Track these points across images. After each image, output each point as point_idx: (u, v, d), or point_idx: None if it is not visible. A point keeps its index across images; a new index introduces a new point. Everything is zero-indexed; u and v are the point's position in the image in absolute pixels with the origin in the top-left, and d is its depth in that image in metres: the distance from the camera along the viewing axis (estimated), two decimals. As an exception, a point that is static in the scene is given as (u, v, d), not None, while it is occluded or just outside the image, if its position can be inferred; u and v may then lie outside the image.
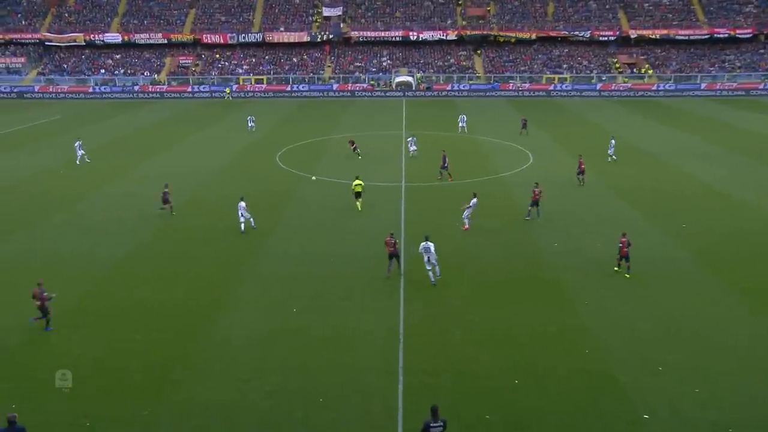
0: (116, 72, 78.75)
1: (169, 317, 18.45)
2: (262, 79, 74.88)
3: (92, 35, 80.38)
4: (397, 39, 78.15)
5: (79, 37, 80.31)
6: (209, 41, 79.70)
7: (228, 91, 71.64)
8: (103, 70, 79.25)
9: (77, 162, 37.84)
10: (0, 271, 21.96)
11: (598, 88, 69.15)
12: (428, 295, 19.38)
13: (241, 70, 77.29)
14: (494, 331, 17.30)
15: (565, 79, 71.54)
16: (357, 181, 27.30)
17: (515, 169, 33.89)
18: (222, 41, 79.46)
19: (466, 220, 24.74)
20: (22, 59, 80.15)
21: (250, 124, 48.24)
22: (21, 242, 24.52)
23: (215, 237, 24.83)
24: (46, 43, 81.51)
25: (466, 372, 15.31)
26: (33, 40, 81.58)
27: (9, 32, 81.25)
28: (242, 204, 25.13)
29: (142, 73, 78.33)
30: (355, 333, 17.27)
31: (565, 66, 73.41)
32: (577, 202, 28.37)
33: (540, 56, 76.36)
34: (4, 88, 75.35)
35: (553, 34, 75.94)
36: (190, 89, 73.82)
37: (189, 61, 79.84)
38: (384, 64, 77.20)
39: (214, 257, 22.72)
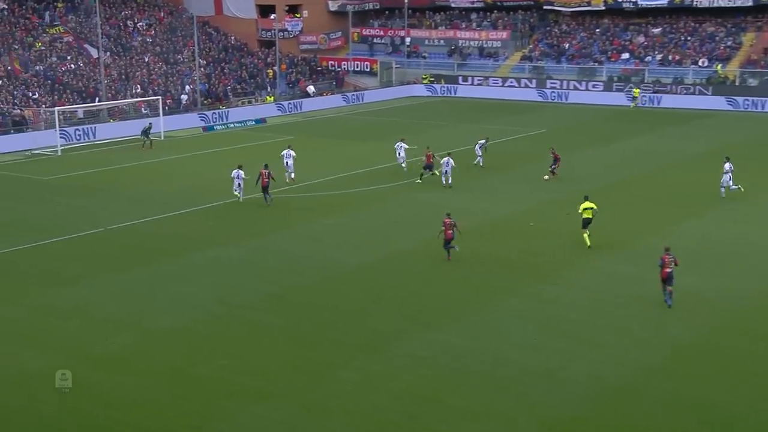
0: (648, 57, 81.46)
1: None
2: None
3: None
4: None
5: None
6: None
7: (636, 93, 76.92)
8: (626, 55, 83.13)
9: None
10: (418, 376, 23.33)
11: None
12: None
13: None
14: None
15: None
16: (587, 204, 34.37)
17: None
18: None
19: None
20: (504, 34, 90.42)
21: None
22: (457, 334, 26.52)
23: None
24: (545, 7, 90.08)
25: None
26: (527, 3, 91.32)
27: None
28: None
29: (695, 61, 79.15)
30: None
31: None
32: None
33: None
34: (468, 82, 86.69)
35: None
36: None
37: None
38: None
39: None
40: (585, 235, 34.20)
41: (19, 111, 62.12)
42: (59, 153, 55.86)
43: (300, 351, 24.87)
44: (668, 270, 27.36)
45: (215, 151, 56.62)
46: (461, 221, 33.73)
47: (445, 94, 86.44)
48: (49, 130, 58.35)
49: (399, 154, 48.11)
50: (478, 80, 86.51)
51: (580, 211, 34.30)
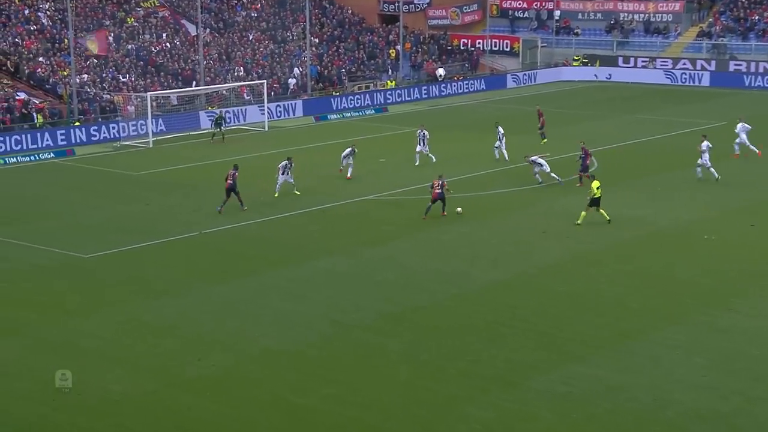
0: None
1: None
2: None
3: None
4: None
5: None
6: None
7: None
8: None
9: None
10: (559, 416, 22.79)
11: None
12: None
13: None
14: None
15: None
16: (597, 183, 39.39)
17: None
18: None
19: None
20: (677, 5, 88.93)
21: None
22: (607, 367, 26.24)
23: None
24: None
25: None
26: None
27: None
28: None
29: None
30: None
31: None
32: None
33: None
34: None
35: None
36: None
37: None
38: None
39: None
40: (583, 213, 38.82)
41: (108, 96, 64.74)
42: (150, 145, 58.03)
43: (421, 381, 25.05)
44: None
45: (327, 144, 57.37)
46: (617, 232, 33.45)
47: (601, 79, 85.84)
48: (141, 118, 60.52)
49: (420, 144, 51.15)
50: (643, 61, 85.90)
51: (594, 192, 38.45)
